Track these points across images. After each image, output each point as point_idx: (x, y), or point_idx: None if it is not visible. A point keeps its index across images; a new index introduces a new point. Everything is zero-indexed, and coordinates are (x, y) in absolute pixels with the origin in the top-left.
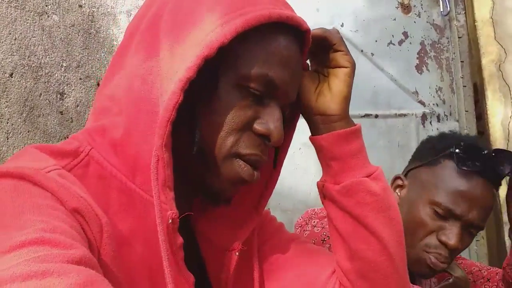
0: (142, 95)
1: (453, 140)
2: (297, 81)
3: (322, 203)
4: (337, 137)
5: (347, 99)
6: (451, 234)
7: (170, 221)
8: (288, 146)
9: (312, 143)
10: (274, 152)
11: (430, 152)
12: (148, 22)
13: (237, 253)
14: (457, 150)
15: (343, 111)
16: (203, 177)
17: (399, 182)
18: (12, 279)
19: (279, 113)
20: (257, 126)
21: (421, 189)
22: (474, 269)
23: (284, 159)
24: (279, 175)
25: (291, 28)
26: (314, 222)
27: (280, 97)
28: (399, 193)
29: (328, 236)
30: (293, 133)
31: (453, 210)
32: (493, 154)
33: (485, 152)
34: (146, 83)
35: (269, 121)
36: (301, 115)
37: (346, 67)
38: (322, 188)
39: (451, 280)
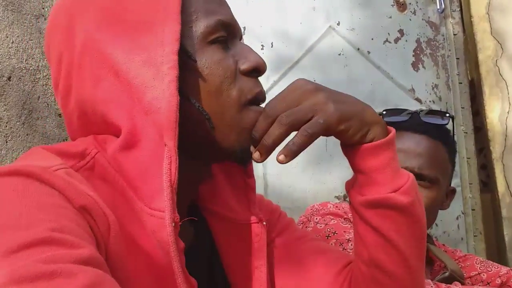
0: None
1: None
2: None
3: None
4: (362, 152)
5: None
6: None
7: (173, 224)
8: None
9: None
10: None
11: None
12: (85, 53)
13: (265, 222)
14: (384, 112)
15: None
16: (222, 145)
17: None
18: (21, 280)
19: (247, 45)
20: (243, 66)
21: None
22: (473, 273)
23: None
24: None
25: None
26: (316, 219)
27: (236, 33)
28: None
29: (332, 232)
30: None
31: None
32: (419, 112)
33: (410, 111)
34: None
35: (246, 55)
36: None
37: None
38: (348, 192)
39: (447, 274)
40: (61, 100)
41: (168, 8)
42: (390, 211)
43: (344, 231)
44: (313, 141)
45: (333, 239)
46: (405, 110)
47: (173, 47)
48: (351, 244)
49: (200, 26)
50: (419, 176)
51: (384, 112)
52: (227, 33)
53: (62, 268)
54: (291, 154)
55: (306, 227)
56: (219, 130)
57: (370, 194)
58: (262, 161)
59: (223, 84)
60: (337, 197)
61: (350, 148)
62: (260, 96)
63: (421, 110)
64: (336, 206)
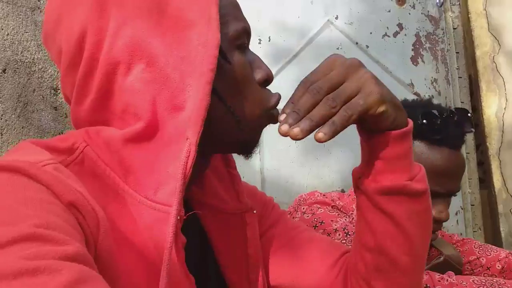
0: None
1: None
2: None
3: (354, 191)
4: (389, 138)
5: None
6: (440, 209)
7: (178, 217)
8: None
9: (359, 134)
10: None
11: None
12: (125, 45)
13: (255, 211)
14: (424, 121)
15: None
16: (240, 141)
17: None
18: (4, 276)
19: (256, 55)
20: (258, 76)
21: None
22: (471, 258)
23: None
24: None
25: None
26: (303, 209)
27: (249, 42)
28: None
29: (319, 222)
30: None
31: (437, 191)
32: (451, 115)
33: (445, 115)
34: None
35: (260, 65)
36: None
37: None
38: (358, 179)
39: (441, 259)
40: (79, 78)
41: (209, 10)
42: (404, 198)
43: (332, 220)
44: (356, 120)
45: (320, 229)
46: (423, 105)
47: (215, 50)
48: (339, 234)
49: (230, 29)
50: (456, 192)
51: (451, 116)
52: (248, 40)
53: (46, 264)
54: (330, 132)
55: (293, 217)
56: (243, 131)
57: (387, 181)
58: (300, 138)
59: (249, 88)
60: None
61: (375, 134)
62: (276, 105)
63: (452, 113)
64: (324, 195)
